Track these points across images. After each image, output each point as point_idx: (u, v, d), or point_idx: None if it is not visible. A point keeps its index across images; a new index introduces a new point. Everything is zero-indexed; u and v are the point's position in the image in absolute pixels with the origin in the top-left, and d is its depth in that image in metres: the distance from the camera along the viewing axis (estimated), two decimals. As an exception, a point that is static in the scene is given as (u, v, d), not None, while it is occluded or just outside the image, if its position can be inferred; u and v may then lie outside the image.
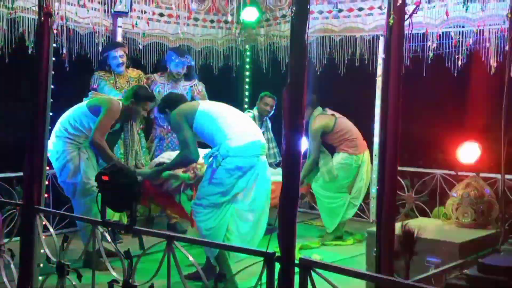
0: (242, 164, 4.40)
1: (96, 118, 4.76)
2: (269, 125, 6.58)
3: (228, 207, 4.46)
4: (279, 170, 5.28)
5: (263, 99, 6.45)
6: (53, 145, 4.87)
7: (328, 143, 6.05)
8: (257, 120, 6.26)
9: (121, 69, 5.81)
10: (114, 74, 5.86)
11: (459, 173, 5.84)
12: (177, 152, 4.77)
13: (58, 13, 4.28)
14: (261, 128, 6.06)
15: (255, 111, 6.43)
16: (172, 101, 4.74)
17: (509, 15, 3.88)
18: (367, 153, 6.10)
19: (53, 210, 4.98)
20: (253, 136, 4.53)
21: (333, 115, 6.03)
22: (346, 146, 5.98)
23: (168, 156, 4.99)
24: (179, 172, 4.77)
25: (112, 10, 6.02)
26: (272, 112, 6.47)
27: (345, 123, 6.07)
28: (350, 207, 6.06)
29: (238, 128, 4.50)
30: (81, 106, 4.91)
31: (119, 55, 5.78)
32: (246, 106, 7.92)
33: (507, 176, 5.30)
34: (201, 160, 4.65)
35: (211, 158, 4.42)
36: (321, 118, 5.97)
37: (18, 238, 4.03)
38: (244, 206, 4.50)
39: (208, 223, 4.40)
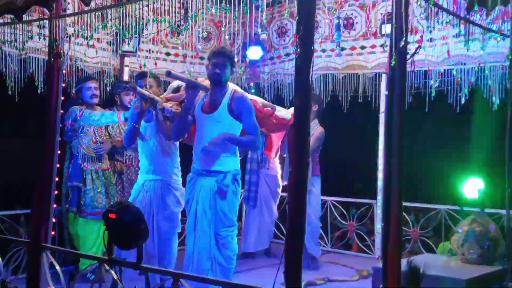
0: None
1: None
2: None
3: None
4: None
5: None
6: None
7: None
8: None
9: (95, 100, 5.62)
10: (88, 107, 5.61)
11: (464, 209, 5.83)
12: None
13: (67, 53, 4.36)
14: None
15: None
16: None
17: (510, 57, 3.95)
18: None
19: (60, 248, 4.99)
20: None
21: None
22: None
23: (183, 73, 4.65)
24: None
25: (120, 50, 6.11)
26: None
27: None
28: None
29: None
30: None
31: (93, 86, 5.67)
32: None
33: (512, 212, 5.28)
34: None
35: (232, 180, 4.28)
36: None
37: (24, 275, 4.05)
38: None
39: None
